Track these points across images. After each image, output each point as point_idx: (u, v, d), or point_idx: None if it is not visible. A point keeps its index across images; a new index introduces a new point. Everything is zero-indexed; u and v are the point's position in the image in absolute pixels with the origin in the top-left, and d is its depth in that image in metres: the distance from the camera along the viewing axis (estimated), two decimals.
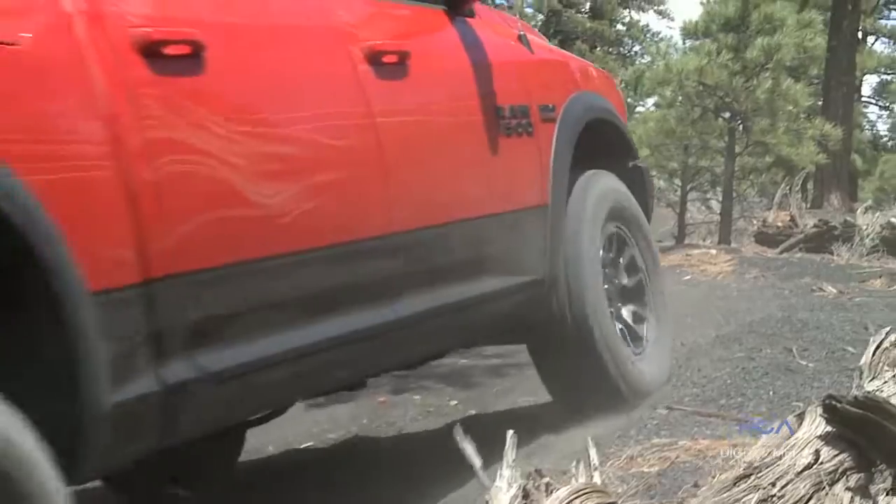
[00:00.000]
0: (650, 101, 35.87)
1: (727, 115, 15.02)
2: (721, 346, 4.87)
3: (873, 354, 3.13)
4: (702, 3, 15.49)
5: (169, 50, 2.25)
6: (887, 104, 49.76)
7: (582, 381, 3.86)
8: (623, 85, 35.79)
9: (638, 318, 4.07)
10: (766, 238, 12.90)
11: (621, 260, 4.04)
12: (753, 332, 5.15)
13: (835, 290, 7.29)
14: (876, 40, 47.50)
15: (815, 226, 12.32)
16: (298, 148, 2.62)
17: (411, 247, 2.98)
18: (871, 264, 10.09)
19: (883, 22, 46.64)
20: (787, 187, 15.08)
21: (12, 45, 1.88)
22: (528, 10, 51.07)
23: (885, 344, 3.14)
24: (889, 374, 2.99)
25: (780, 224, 13.01)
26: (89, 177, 2.02)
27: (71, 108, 2.00)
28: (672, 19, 57.73)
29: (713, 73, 13.57)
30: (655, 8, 56.27)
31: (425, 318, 3.04)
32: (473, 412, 4.93)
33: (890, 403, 2.57)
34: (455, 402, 5.21)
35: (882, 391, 2.82)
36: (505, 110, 3.46)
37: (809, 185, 22.81)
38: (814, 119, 16.49)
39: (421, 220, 3.02)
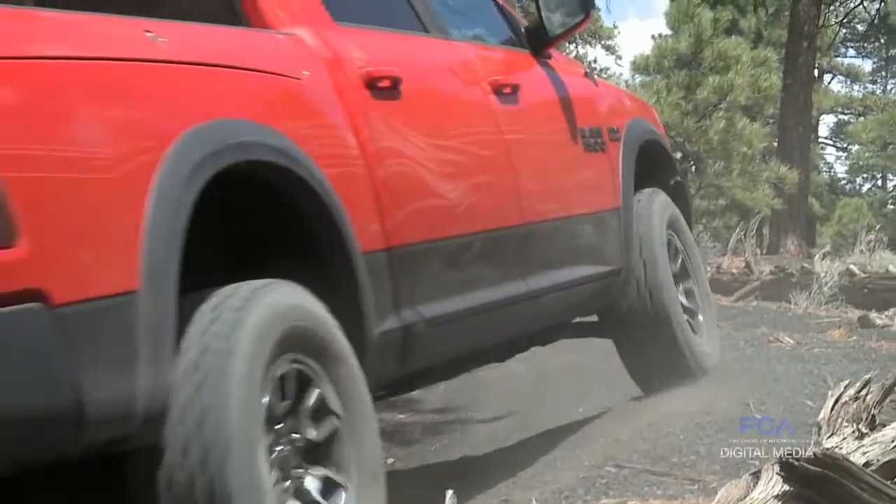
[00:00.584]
0: None
1: (679, 156, 15.30)
2: (676, 398, 4.89)
3: (832, 409, 3.17)
4: (653, 38, 15.76)
5: (381, 83, 3.39)
6: (845, 145, 50.85)
7: (661, 361, 4.85)
8: None
9: (693, 308, 5.10)
10: (720, 285, 13.03)
11: (676, 263, 5.05)
12: (707, 384, 5.19)
13: (792, 341, 7.38)
14: (833, 79, 48.50)
15: (771, 272, 12.50)
16: (462, 155, 3.76)
17: (534, 235, 4.04)
18: (830, 313, 10.24)
19: (840, 60, 47.81)
20: (742, 232, 15.28)
21: (299, 79, 3.09)
22: None
23: (844, 398, 3.19)
24: (848, 430, 3.02)
25: (734, 271, 13.17)
26: (352, 171, 3.11)
27: (336, 122, 3.14)
28: (620, 57, 58.95)
29: (664, 112, 13.78)
30: (603, 43, 57.23)
31: (544, 293, 4.09)
32: (412, 468, 5.09)
33: (850, 461, 2.56)
34: (393, 460, 5.22)
35: (841, 448, 2.84)
36: (585, 131, 4.59)
37: (765, 230, 23.15)
38: (769, 161, 16.76)
39: (538, 215, 4.10)
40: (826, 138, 47.88)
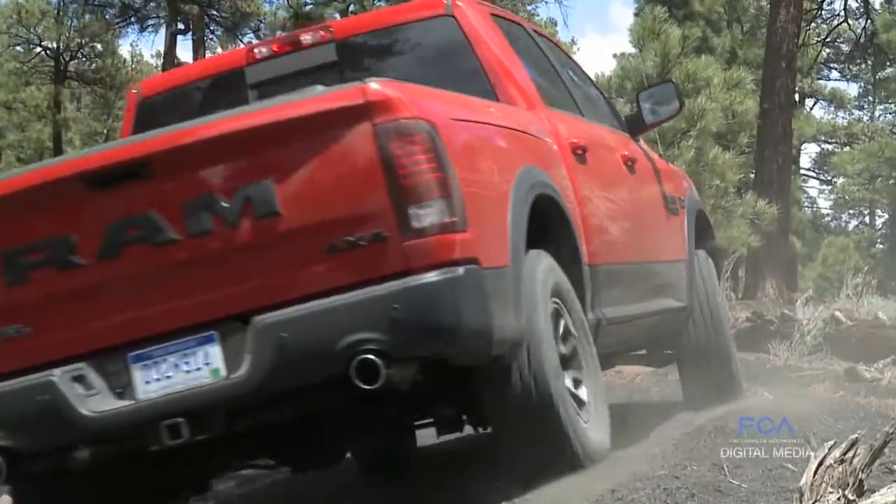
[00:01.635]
0: None
1: None
2: (640, 462, 4.91)
3: (815, 473, 3.19)
4: (615, 57, 15.91)
5: (578, 150, 5.55)
6: (829, 178, 51.37)
7: (715, 384, 6.90)
8: None
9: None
10: None
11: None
12: (678, 445, 5.21)
13: (771, 397, 7.43)
14: (815, 104, 49.26)
15: (747, 319, 12.62)
16: (618, 205, 6.05)
17: (648, 270, 6.29)
18: (814, 366, 10.36)
19: (823, 83, 48.50)
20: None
21: (548, 142, 5.32)
22: None
23: (829, 461, 3.21)
24: (833, 497, 3.04)
25: None
26: (573, 207, 5.19)
27: (564, 173, 5.30)
28: None
29: None
30: None
31: (648, 315, 6.23)
32: None
33: None
34: None
35: None
36: (667, 198, 6.79)
37: (741, 272, 23.40)
38: (745, 195, 16.92)
39: (649, 256, 6.38)
40: (808, 170, 48.61)
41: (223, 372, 4.08)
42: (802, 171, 46.26)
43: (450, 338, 4.06)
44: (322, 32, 5.73)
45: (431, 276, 4.00)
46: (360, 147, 4.06)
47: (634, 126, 6.81)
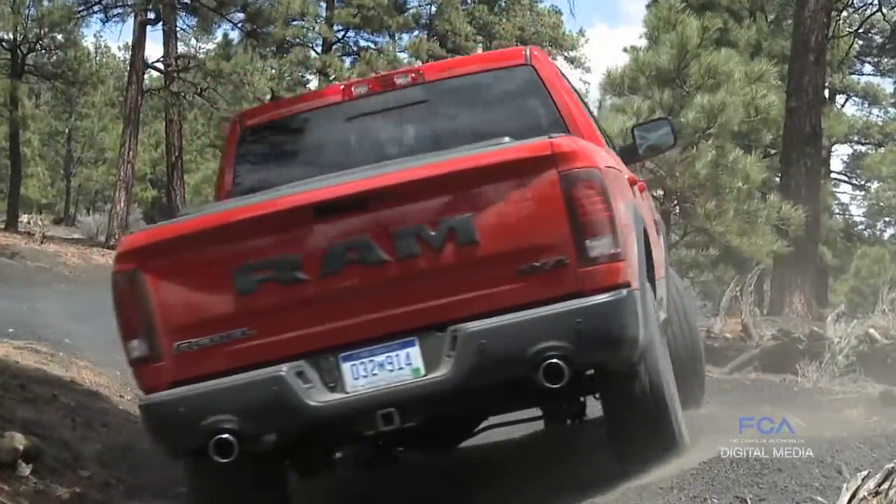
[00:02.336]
0: None
1: (660, 193, 15.42)
2: (658, 495, 4.90)
3: None
4: (626, 51, 15.86)
5: (637, 185, 7.22)
6: (862, 182, 51.13)
7: (688, 391, 7.95)
8: None
9: None
10: (710, 353, 13.14)
11: None
12: (698, 475, 5.22)
13: (801, 423, 7.43)
14: (847, 100, 49.24)
15: (773, 337, 12.63)
16: (650, 227, 7.17)
17: (658, 284, 7.46)
18: (846, 388, 10.35)
19: (855, 78, 48.39)
20: (738, 287, 15.40)
21: (629, 176, 6.98)
22: (404, 57, 51.93)
23: (862, 492, 3.22)
24: None
25: (728, 335, 13.30)
26: (637, 230, 6.14)
27: (637, 201, 6.89)
28: (588, 70, 59.61)
29: None
30: (565, 54, 57.95)
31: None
32: None
33: None
34: None
35: None
36: (655, 218, 8.30)
37: (766, 285, 23.37)
38: (770, 199, 16.87)
39: (659, 272, 7.43)
40: (839, 173, 48.47)
41: (423, 371, 5.49)
42: (833, 175, 46.17)
43: (617, 346, 5.59)
44: (413, 75, 7.14)
45: (605, 297, 5.49)
46: (546, 189, 5.55)
47: (627, 155, 8.00)
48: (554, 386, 5.37)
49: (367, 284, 5.56)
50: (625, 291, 5.54)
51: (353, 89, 7.16)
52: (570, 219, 5.53)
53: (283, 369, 5.50)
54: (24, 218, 41.19)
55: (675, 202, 15.19)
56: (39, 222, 37.19)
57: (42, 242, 30.80)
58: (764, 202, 15.75)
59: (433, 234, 5.55)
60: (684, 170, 14.11)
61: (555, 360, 5.36)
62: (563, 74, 7.34)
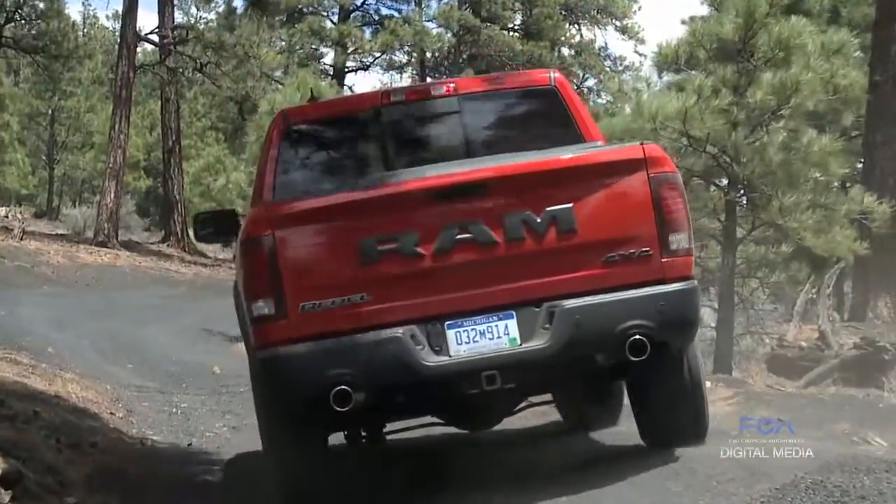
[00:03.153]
0: None
1: (724, 182, 15.32)
2: None
3: None
4: (684, 22, 15.72)
5: None
6: None
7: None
8: None
9: None
10: (783, 364, 13.12)
11: None
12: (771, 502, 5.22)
13: (886, 444, 7.39)
14: None
15: (855, 346, 12.57)
16: None
17: None
18: None
19: None
20: (814, 290, 15.31)
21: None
22: (432, 27, 51.96)
23: None
24: None
25: (803, 344, 13.25)
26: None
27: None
28: (642, 41, 59.43)
29: (702, 122, 13.83)
30: (617, 23, 57.82)
31: None
32: None
33: None
34: None
35: None
36: None
37: (846, 287, 23.23)
38: (851, 190, 16.70)
39: None
40: None
41: (518, 341, 7.10)
42: None
43: (689, 328, 7.41)
44: (448, 87, 8.75)
45: (683, 285, 7.25)
46: (637, 188, 7.25)
47: None
48: (637, 359, 7.07)
49: (475, 262, 7.19)
50: (695, 282, 7.35)
51: (391, 96, 8.71)
52: (656, 215, 7.24)
53: (400, 331, 7.10)
54: (0, 211, 41.46)
55: (742, 192, 15.10)
56: (19, 216, 37.37)
57: (22, 239, 30.99)
58: (844, 193, 15.61)
59: (538, 220, 7.19)
60: (752, 156, 13.99)
61: (639, 337, 7.06)
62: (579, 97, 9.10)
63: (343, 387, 7.06)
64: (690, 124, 13.74)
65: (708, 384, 11.05)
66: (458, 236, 7.19)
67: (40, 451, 8.49)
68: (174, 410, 12.50)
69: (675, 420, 7.91)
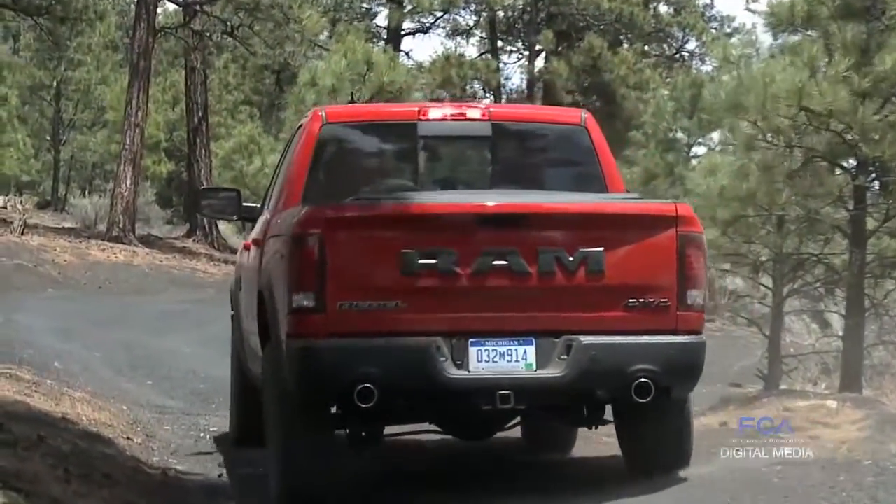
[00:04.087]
0: (715, 136, 36.52)
1: (851, 164, 15.26)
2: None
3: None
4: None
5: None
6: None
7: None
8: (670, 107, 36.41)
9: None
10: None
11: None
12: None
13: None
14: None
15: None
16: None
17: None
18: None
19: None
20: None
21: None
22: None
23: None
24: None
25: None
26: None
27: None
28: None
29: (823, 94, 13.66)
30: None
31: None
32: None
33: None
34: None
35: None
36: None
37: None
38: None
39: None
40: None
41: (535, 367, 8.72)
42: None
43: (692, 378, 8.96)
44: (483, 111, 10.75)
45: (692, 338, 8.88)
46: (665, 243, 8.85)
47: None
48: (642, 400, 8.71)
49: (505, 287, 8.79)
50: (704, 336, 9.04)
51: (427, 112, 10.73)
52: (678, 270, 8.88)
53: (427, 341, 8.68)
54: None
55: (873, 175, 15.00)
56: (19, 206, 37.63)
57: (23, 233, 31.28)
58: None
59: (570, 258, 8.78)
60: (883, 134, 13.86)
61: (646, 380, 8.69)
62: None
63: (368, 385, 8.60)
64: (808, 98, 13.59)
65: (833, 404, 11.06)
66: (494, 262, 8.80)
67: (45, 483, 8.55)
68: (202, 435, 12.58)
69: (661, 455, 9.64)
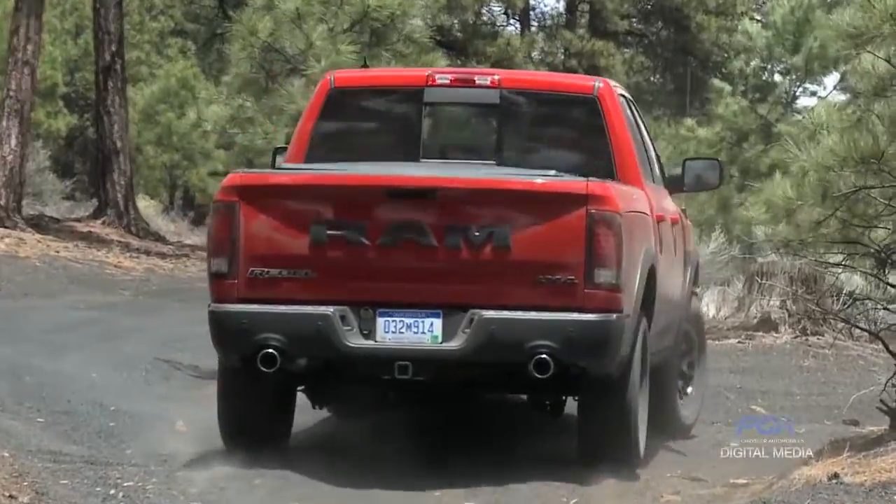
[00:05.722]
0: (829, 81, 36.57)
1: None
2: None
3: None
4: None
5: (660, 220, 15.03)
6: None
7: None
8: (764, 39, 36.43)
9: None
10: None
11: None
12: None
13: None
14: None
15: None
16: (670, 261, 16.02)
17: (670, 304, 16.35)
18: None
19: None
20: None
21: (651, 219, 14.65)
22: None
23: None
24: None
25: None
26: (644, 268, 13.74)
27: (653, 242, 14.27)
28: None
29: None
30: None
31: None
32: None
33: None
34: None
35: None
36: (686, 253, 17.75)
37: None
38: None
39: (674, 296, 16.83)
40: None
41: (440, 339, 12.25)
42: None
43: (596, 357, 12.20)
44: (492, 78, 14.02)
45: (597, 316, 12.09)
46: (574, 221, 12.04)
47: (673, 185, 16.19)
48: (540, 376, 11.89)
49: (413, 260, 12.21)
50: (615, 316, 12.13)
51: (435, 77, 14.05)
52: (586, 249, 11.93)
53: (331, 310, 12.15)
54: None
55: None
56: None
57: None
58: None
59: (476, 234, 12.08)
60: None
61: (544, 356, 11.87)
62: (627, 108, 14.29)
63: (270, 350, 12.11)
64: None
65: None
66: (403, 235, 12.13)
67: None
68: (112, 492, 12.61)
69: (598, 444, 12.87)
